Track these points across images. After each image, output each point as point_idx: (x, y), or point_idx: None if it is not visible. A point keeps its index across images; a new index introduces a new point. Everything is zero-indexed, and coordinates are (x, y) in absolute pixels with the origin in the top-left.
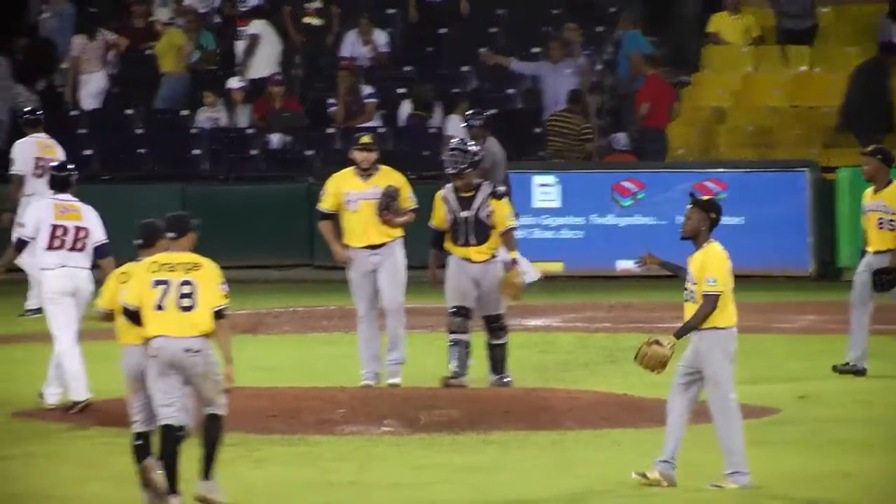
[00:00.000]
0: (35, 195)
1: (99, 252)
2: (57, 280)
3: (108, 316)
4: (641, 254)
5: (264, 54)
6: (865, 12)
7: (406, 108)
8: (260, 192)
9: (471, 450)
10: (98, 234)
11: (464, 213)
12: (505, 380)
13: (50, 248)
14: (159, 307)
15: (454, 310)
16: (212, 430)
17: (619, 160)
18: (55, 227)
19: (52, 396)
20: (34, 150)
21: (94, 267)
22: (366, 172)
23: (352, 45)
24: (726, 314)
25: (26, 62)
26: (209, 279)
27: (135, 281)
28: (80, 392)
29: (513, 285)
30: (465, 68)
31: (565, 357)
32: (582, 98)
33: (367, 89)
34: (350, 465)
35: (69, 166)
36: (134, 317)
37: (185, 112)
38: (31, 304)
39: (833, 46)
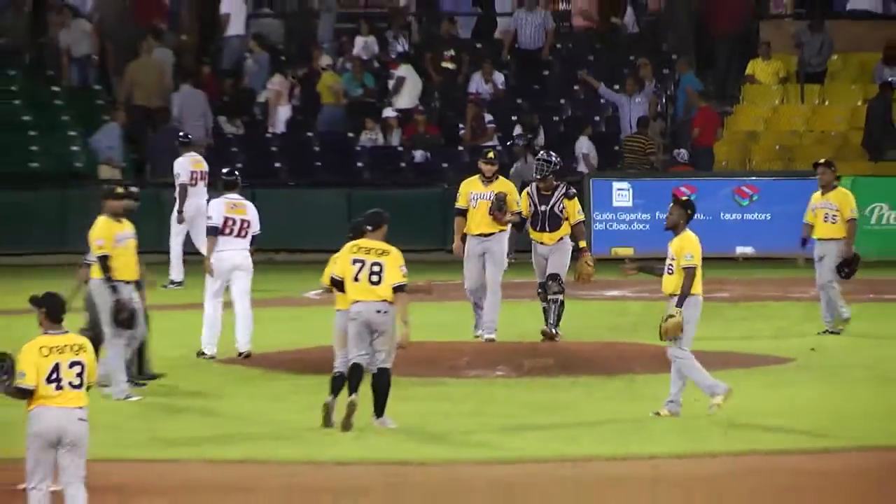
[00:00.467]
0: (192, 198)
1: (253, 240)
2: (220, 261)
3: (329, 290)
4: (624, 265)
5: (409, 90)
6: (865, 59)
7: (517, 131)
8: (407, 195)
9: (563, 389)
10: (256, 227)
11: (542, 207)
12: (553, 331)
13: (221, 234)
14: (356, 279)
15: (539, 285)
16: (382, 380)
17: (679, 170)
18: (227, 219)
19: (244, 346)
20: (189, 165)
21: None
22: (488, 180)
23: (477, 84)
24: (695, 285)
25: (231, 99)
26: (394, 263)
27: (341, 258)
28: (210, 346)
29: (584, 271)
30: (562, 101)
31: (635, 319)
32: (648, 123)
33: (488, 117)
34: (472, 400)
35: (236, 172)
36: (339, 285)
37: (350, 134)
38: (173, 277)
39: (840, 85)
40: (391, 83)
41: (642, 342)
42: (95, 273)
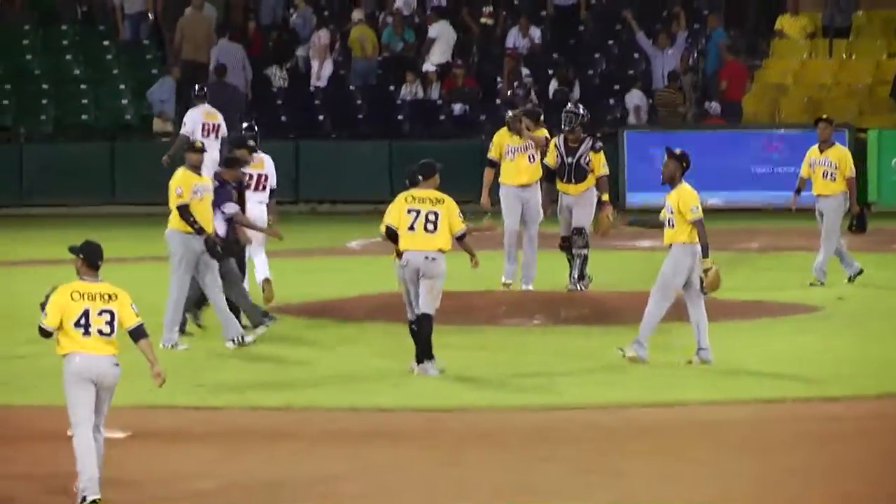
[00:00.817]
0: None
1: (271, 193)
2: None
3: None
4: (620, 218)
5: (442, 46)
6: (889, 15)
7: (553, 85)
8: (446, 146)
9: (597, 337)
10: (273, 181)
11: (569, 159)
12: (577, 287)
13: None
14: (411, 228)
15: (562, 238)
16: (424, 325)
17: (712, 122)
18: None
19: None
20: (200, 117)
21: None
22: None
23: (514, 38)
24: (691, 233)
25: (276, 49)
26: (450, 211)
27: (395, 208)
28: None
29: (604, 224)
30: (596, 55)
31: None
32: (678, 77)
33: (525, 70)
34: (509, 348)
35: (255, 127)
36: (394, 236)
37: (391, 88)
38: None
39: (865, 40)
40: (428, 39)
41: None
42: (172, 223)
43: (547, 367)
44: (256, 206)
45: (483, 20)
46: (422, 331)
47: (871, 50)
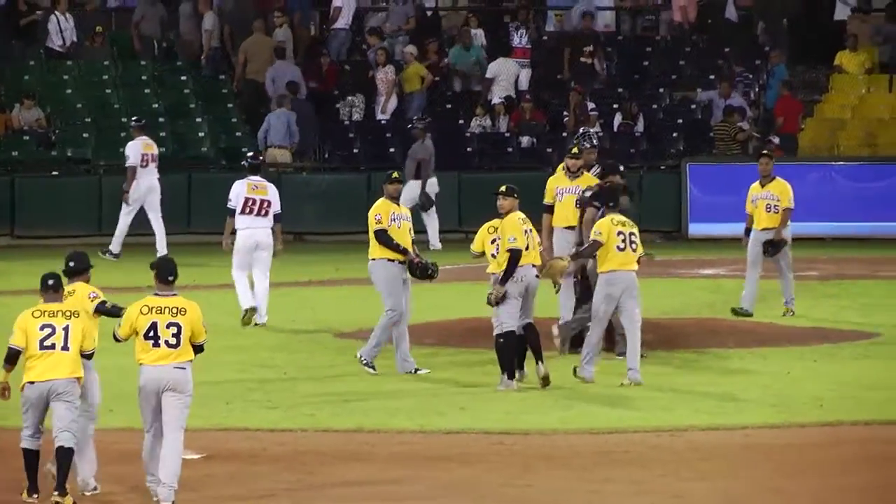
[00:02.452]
0: (143, 179)
1: (275, 218)
2: (243, 238)
3: (480, 255)
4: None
5: (506, 82)
6: None
7: (618, 119)
8: (514, 178)
9: (661, 362)
10: (276, 206)
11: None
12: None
13: (242, 213)
14: (526, 248)
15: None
16: (531, 335)
17: (776, 154)
18: (247, 199)
19: (260, 318)
20: (140, 148)
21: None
22: (573, 174)
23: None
24: (606, 264)
25: (352, 82)
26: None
27: (515, 231)
28: (262, 315)
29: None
30: (660, 90)
31: (728, 297)
32: (733, 113)
33: (590, 105)
34: (571, 375)
35: (259, 156)
36: (518, 254)
37: (461, 121)
38: (112, 248)
39: None
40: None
41: (735, 318)
42: (372, 253)
43: (608, 391)
44: (261, 230)
45: (584, 60)
46: (530, 339)
47: None
